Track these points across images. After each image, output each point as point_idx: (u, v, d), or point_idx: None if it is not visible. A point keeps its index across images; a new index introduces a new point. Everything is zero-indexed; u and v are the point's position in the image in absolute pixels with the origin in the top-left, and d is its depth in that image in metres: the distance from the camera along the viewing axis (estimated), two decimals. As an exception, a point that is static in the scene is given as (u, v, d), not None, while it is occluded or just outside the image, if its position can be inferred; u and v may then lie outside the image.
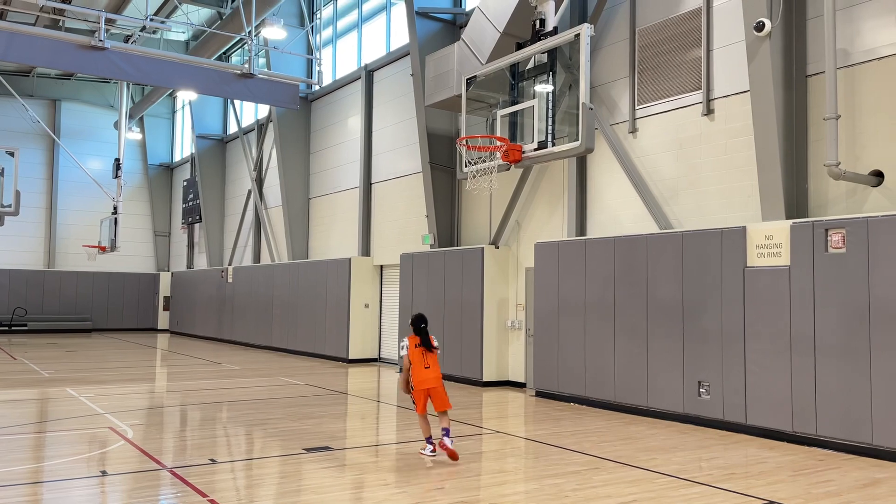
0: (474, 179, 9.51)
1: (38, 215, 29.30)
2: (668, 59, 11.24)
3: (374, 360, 18.47)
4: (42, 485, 6.69)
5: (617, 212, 12.03)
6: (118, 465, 7.34)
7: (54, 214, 30.07)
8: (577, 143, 8.43)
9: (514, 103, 9.65)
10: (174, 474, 6.85)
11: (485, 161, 9.39)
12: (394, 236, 17.83)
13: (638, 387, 10.56)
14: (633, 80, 11.76)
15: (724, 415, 9.40)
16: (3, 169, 14.30)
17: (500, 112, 9.50)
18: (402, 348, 8.07)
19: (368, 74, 19.02)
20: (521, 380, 13.59)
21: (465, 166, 9.90)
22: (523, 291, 13.66)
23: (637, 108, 11.69)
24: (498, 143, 9.16)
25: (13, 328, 28.55)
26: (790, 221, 8.84)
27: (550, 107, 8.80)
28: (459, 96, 11.19)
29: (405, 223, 17.36)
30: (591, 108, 8.30)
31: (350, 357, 18.14)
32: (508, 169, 9.43)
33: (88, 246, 24.49)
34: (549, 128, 8.80)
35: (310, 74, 20.97)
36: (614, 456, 7.82)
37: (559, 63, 9.08)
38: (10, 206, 13.58)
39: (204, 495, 6.14)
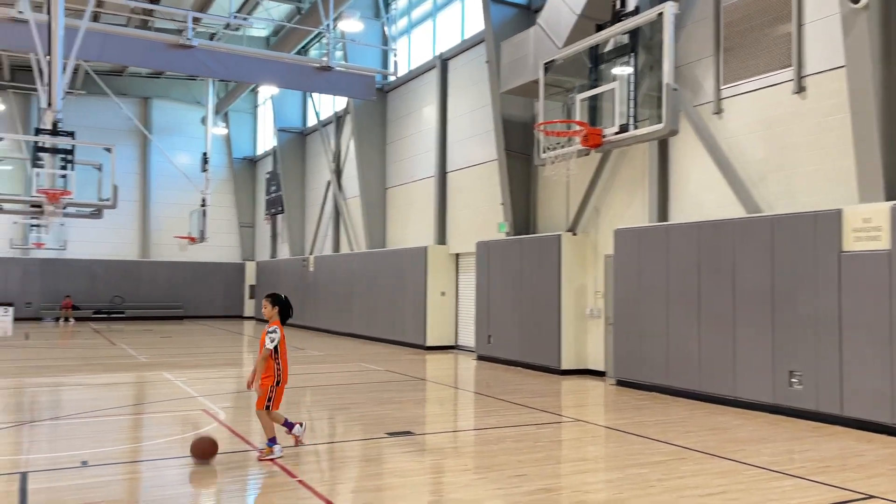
0: (553, 165, 9.40)
1: (132, 208, 30.85)
2: (756, 36, 10.77)
3: (452, 347, 18.60)
4: (140, 464, 7.08)
5: (701, 196, 11.65)
6: (211, 445, 7.66)
7: (147, 207, 31.60)
8: (660, 126, 8.20)
9: (592, 87, 9.47)
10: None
11: (563, 146, 9.27)
12: (469, 224, 17.86)
13: (724, 376, 10.23)
14: (718, 59, 11.32)
15: (817, 405, 9.00)
16: (101, 165, 15.17)
17: (580, 96, 9.34)
18: (273, 339, 7.05)
19: (443, 63, 19.06)
20: (601, 368, 13.40)
21: (543, 152, 9.80)
22: (602, 279, 13.45)
23: (722, 87, 11.26)
24: (577, 128, 9.02)
25: (112, 315, 30.26)
26: (891, 203, 8.34)
27: (632, 89, 8.59)
28: (536, 82, 11.08)
29: (481, 211, 17.36)
30: (676, 89, 8.05)
31: (427, 344, 18.33)
32: (588, 154, 9.28)
33: (180, 237, 25.64)
34: (631, 111, 8.60)
35: (385, 65, 21.20)
36: (700, 446, 7.62)
37: (640, 44, 8.84)
38: (108, 199, 14.36)
39: (293, 476, 6.36)
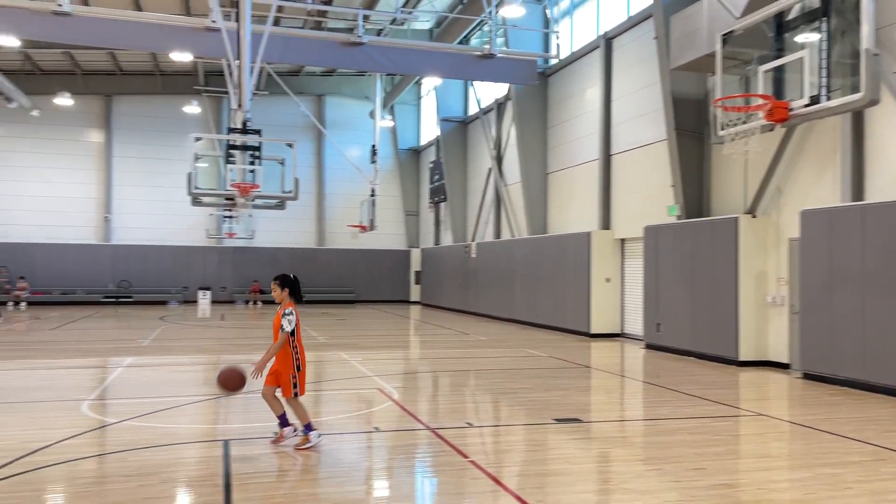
0: (731, 143, 8.83)
1: (309, 200, 33.00)
2: (975, -13, 9.41)
3: (617, 335, 18.15)
4: (322, 437, 7.56)
5: (904, 172, 10.42)
6: (387, 422, 8.07)
7: (322, 198, 33.68)
8: (858, 96, 7.43)
9: (776, 57, 8.76)
10: (436, 434, 7.36)
11: (743, 122, 8.66)
12: (635, 208, 17.27)
13: (933, 373, 9.13)
14: (925, 17, 10.03)
15: None
16: (284, 159, 16.38)
17: (762, 68, 8.67)
18: (291, 321, 6.65)
19: (607, 42, 18.51)
20: (784, 360, 12.46)
21: (721, 129, 9.22)
22: (785, 264, 12.47)
23: (931, 48, 9.97)
24: (760, 102, 8.39)
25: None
26: None
27: (823, 57, 7.84)
28: (710, 55, 10.47)
29: (648, 194, 16.73)
30: (876, 55, 7.24)
31: (592, 331, 18.01)
32: (772, 129, 8.62)
33: (352, 226, 27.08)
34: (822, 80, 7.86)
35: (547, 49, 20.96)
36: (906, 449, 6.86)
37: (832, 7, 8.04)
38: (290, 192, 15.47)
39: (465, 456, 6.52)
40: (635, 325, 17.38)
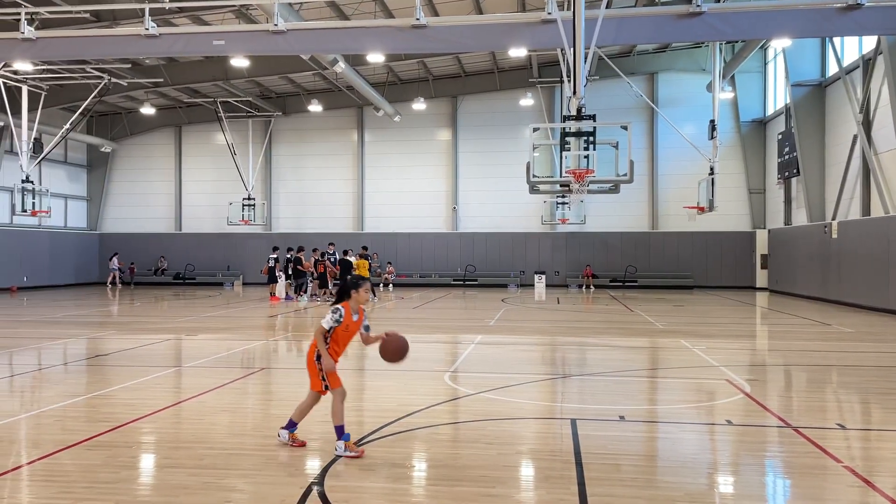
0: None
1: (641, 181, 32.29)
2: None
3: None
4: (663, 424, 7.30)
5: None
6: (738, 416, 7.51)
7: (655, 179, 32.74)
8: None
9: None
10: (799, 433, 6.63)
11: None
12: None
13: None
14: None
15: None
16: (617, 142, 16.23)
17: None
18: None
19: None
20: None
21: None
22: None
23: None
24: None
25: (626, 283, 32.43)
26: None
27: None
28: None
29: None
30: None
31: None
32: None
33: (689, 207, 25.86)
34: None
35: (933, -14, 17.41)
36: None
37: None
38: (625, 175, 15.30)
39: (838, 461, 5.77)
40: None
